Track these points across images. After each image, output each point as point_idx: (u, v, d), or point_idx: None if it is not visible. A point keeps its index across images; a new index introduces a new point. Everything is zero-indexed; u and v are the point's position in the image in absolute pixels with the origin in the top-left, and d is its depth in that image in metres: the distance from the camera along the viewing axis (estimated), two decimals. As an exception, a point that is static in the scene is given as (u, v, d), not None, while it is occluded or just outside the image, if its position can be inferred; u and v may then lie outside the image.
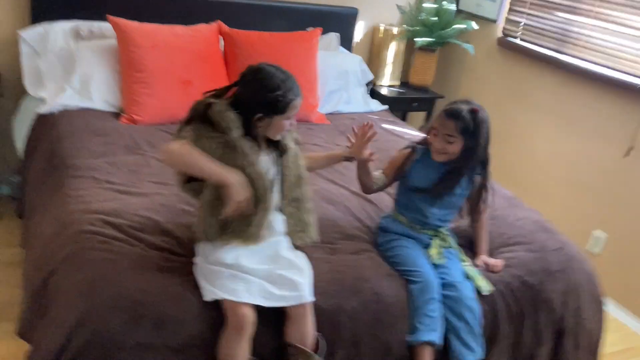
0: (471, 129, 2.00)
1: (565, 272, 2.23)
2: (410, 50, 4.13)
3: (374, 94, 3.96)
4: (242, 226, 1.80)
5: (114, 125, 2.81)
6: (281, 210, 1.89)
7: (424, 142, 2.15)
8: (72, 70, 2.96)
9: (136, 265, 1.81)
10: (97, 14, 3.14)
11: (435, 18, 3.85)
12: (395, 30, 3.94)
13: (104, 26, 3.12)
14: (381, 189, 2.23)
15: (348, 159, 2.09)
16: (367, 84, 3.85)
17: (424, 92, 4.08)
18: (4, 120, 3.23)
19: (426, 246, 2.14)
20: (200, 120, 1.77)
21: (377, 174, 2.19)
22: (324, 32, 3.65)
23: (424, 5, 3.95)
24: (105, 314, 1.64)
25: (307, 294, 1.77)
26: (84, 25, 3.13)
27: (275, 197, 1.85)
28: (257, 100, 1.75)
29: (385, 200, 2.46)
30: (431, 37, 3.87)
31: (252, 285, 1.75)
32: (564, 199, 3.46)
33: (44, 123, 2.80)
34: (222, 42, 3.28)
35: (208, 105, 1.76)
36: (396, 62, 4.07)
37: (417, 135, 3.01)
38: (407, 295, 1.98)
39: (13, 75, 3.17)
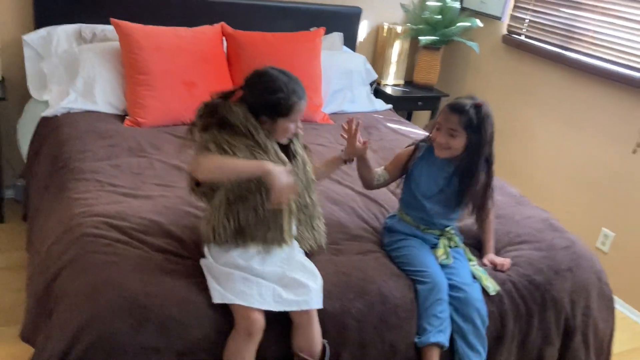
0: (475, 124, 1.99)
1: (574, 271, 2.20)
2: (414, 49, 4.12)
3: (378, 93, 3.95)
4: (262, 231, 1.78)
5: (117, 127, 2.81)
6: None
7: (427, 140, 2.14)
8: (75, 73, 2.97)
9: (140, 268, 1.80)
10: (100, 17, 3.15)
11: (439, 16, 3.84)
12: (399, 29, 3.93)
13: (107, 29, 3.13)
14: (382, 185, 2.22)
15: (346, 160, 2.09)
16: (371, 84, 3.83)
17: (428, 90, 4.07)
18: (8, 124, 3.23)
19: (433, 246, 2.13)
20: (217, 124, 1.75)
21: (379, 170, 2.18)
22: (328, 31, 3.64)
23: (428, 3, 3.93)
24: (109, 317, 1.63)
25: (315, 300, 1.76)
26: (87, 28, 3.13)
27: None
28: (261, 102, 1.76)
29: (391, 200, 2.44)
30: (435, 36, 3.85)
31: (264, 289, 1.73)
32: (571, 198, 3.43)
33: (48, 126, 2.80)
34: (225, 44, 3.27)
35: (226, 108, 1.74)
36: (400, 61, 4.05)
37: (422, 134, 2.99)
38: (415, 296, 1.96)
39: (17, 79, 3.18)
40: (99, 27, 3.15)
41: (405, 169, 2.16)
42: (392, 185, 2.33)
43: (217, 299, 1.72)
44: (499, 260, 2.16)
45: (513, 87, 3.80)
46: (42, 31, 3.06)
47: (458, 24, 3.82)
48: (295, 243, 1.90)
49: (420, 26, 3.91)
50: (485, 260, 2.17)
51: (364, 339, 1.86)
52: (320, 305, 1.78)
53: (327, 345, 1.80)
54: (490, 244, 2.23)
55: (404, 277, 2.00)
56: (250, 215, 1.77)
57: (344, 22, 3.82)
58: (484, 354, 1.97)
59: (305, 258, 1.91)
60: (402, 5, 4.00)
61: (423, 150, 2.14)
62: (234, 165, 1.68)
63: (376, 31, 4.10)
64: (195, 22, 3.23)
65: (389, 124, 3.38)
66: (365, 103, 3.62)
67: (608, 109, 3.21)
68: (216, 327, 1.71)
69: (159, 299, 1.69)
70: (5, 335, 2.38)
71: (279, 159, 1.77)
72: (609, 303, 2.30)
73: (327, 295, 1.82)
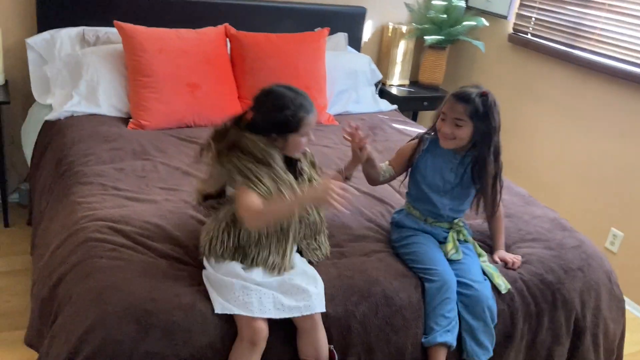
0: (481, 112, 1.96)
1: (584, 271, 2.19)
2: (419, 49, 4.10)
3: (383, 93, 3.93)
4: (262, 254, 1.79)
5: (121, 130, 2.80)
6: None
7: (431, 132, 2.11)
8: (78, 76, 2.95)
9: (145, 273, 1.78)
10: (103, 20, 3.14)
11: (445, 15, 3.82)
12: (404, 28, 3.91)
13: (110, 31, 3.12)
14: (387, 180, 2.19)
15: (347, 177, 2.08)
16: (376, 84, 3.81)
17: (434, 90, 4.04)
18: (12, 128, 3.24)
19: (442, 241, 2.11)
20: (233, 149, 1.77)
21: (383, 165, 2.15)
22: (332, 32, 3.63)
23: (433, 2, 3.91)
24: (114, 322, 1.62)
25: (317, 304, 1.75)
26: (90, 31, 3.13)
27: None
28: (270, 121, 1.77)
29: (396, 197, 2.43)
30: (440, 35, 3.83)
31: (264, 297, 1.72)
32: (579, 197, 3.40)
33: (51, 130, 2.79)
34: (229, 45, 3.26)
35: (244, 138, 1.76)
36: (405, 61, 4.03)
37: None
38: (423, 294, 1.94)
39: (21, 83, 3.19)
40: (102, 30, 3.14)
41: (410, 162, 2.13)
42: (396, 184, 2.30)
43: (218, 309, 1.70)
44: (509, 257, 2.14)
45: (520, 86, 3.78)
46: (46, 34, 3.05)
47: (463, 23, 3.80)
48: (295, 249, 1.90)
49: (426, 26, 3.89)
50: (496, 257, 2.15)
51: (369, 342, 1.84)
52: (323, 309, 1.76)
53: (334, 350, 1.78)
54: (501, 240, 2.21)
55: (409, 276, 1.98)
56: (252, 236, 1.78)
57: (348, 22, 3.80)
58: (491, 350, 1.96)
59: (305, 263, 1.90)
60: (407, 5, 3.98)
61: (427, 143, 2.11)
62: (284, 211, 1.73)
63: (381, 31, 4.08)
64: (198, 24, 3.22)
65: (394, 125, 3.36)
66: (370, 103, 3.60)
67: (616, 107, 3.18)
68: (221, 334, 1.69)
69: (165, 304, 1.68)
70: (10, 339, 2.38)
71: (293, 192, 1.79)
72: (619, 304, 2.28)
73: (330, 299, 1.81)
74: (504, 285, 2.03)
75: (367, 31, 4.02)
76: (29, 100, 3.13)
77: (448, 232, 2.11)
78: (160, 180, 2.38)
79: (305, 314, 1.72)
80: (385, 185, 2.40)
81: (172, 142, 2.75)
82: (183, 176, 2.44)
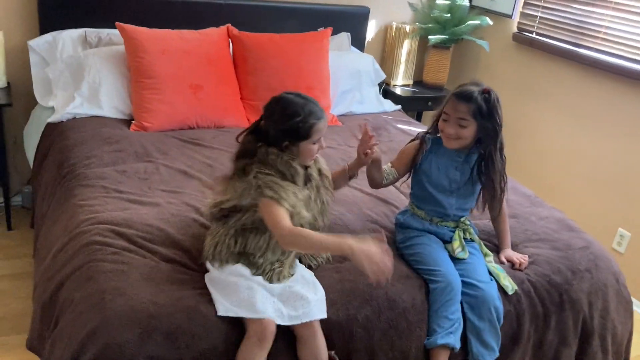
0: (485, 110, 1.94)
1: (592, 272, 2.17)
2: (423, 48, 4.08)
3: (387, 93, 3.91)
4: (268, 263, 1.80)
5: (123, 132, 2.79)
6: None
7: (433, 131, 2.08)
8: (81, 78, 2.94)
9: (147, 277, 1.77)
10: (105, 21, 3.13)
11: (448, 15, 3.80)
12: (407, 28, 3.89)
13: (112, 33, 3.11)
14: (391, 183, 2.16)
15: (351, 176, 2.06)
16: (380, 84, 3.80)
17: (438, 90, 4.02)
18: (15, 131, 3.23)
19: (448, 241, 2.09)
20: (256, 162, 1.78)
21: (386, 167, 2.12)
22: (335, 32, 3.61)
23: (437, 2, 3.88)
24: (116, 327, 1.60)
25: (316, 311, 1.74)
26: (92, 32, 3.12)
27: None
28: (281, 129, 1.77)
29: (400, 198, 2.42)
30: (444, 34, 3.81)
31: (267, 300, 1.72)
32: (586, 198, 3.38)
33: (54, 132, 2.78)
34: (231, 46, 3.24)
35: (269, 156, 1.77)
36: (409, 60, 4.01)
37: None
38: (427, 296, 1.92)
39: (23, 85, 3.18)
40: (104, 32, 3.13)
41: (414, 163, 2.11)
42: (398, 183, 2.28)
43: (221, 311, 1.69)
44: (516, 257, 2.12)
45: (524, 85, 3.75)
46: (48, 36, 3.04)
47: (468, 23, 3.78)
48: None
49: (429, 25, 3.87)
50: (503, 257, 2.13)
51: (372, 347, 1.82)
52: (322, 315, 1.75)
53: (335, 356, 1.77)
54: (507, 239, 2.18)
55: (412, 277, 1.96)
56: (261, 245, 1.78)
57: (351, 22, 3.78)
58: (497, 351, 1.94)
59: (304, 269, 1.89)
60: (411, 4, 3.96)
61: (430, 143, 2.08)
62: (320, 244, 1.69)
63: (384, 31, 4.06)
64: (200, 25, 3.21)
65: (398, 125, 3.34)
66: (374, 104, 3.58)
67: (622, 106, 3.16)
68: (224, 337, 1.67)
69: (167, 308, 1.66)
70: (12, 343, 2.37)
71: (309, 208, 1.81)
72: (627, 305, 2.26)
73: (332, 304, 1.79)
74: (510, 286, 2.01)
75: (371, 31, 4.00)
76: (31, 102, 3.12)
77: (454, 231, 2.09)
78: (162, 183, 2.36)
79: (304, 321, 1.71)
80: (391, 188, 2.38)
81: (175, 143, 2.74)
82: (185, 178, 2.42)
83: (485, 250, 2.13)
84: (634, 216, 3.13)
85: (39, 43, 3.02)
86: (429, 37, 3.80)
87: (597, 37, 3.25)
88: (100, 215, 2.04)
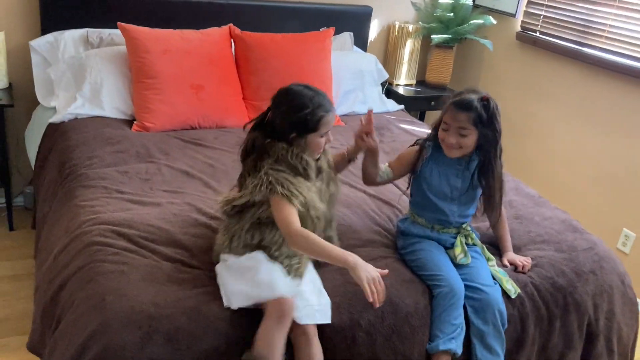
0: (485, 118, 1.92)
1: (597, 273, 2.15)
2: (426, 48, 4.07)
3: (390, 93, 3.90)
4: (285, 257, 1.79)
5: (125, 133, 2.78)
6: None
7: (432, 138, 2.06)
8: (82, 78, 2.94)
9: (148, 277, 1.76)
10: (107, 22, 3.12)
11: (451, 14, 3.78)
12: (410, 27, 3.88)
13: (113, 33, 3.10)
14: (384, 182, 2.15)
15: (350, 159, 2.04)
16: (383, 84, 3.78)
17: (441, 90, 4.00)
18: (16, 131, 3.22)
19: (450, 247, 2.07)
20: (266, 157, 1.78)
21: (383, 166, 2.11)
22: (338, 31, 3.60)
23: (440, 1, 3.87)
24: (117, 328, 1.59)
25: (319, 316, 1.72)
26: (94, 32, 3.11)
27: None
28: (288, 121, 1.76)
29: (403, 201, 2.39)
30: (448, 34, 3.80)
31: (287, 282, 1.73)
32: (590, 198, 3.36)
33: (55, 132, 2.78)
34: (233, 46, 3.23)
35: (277, 149, 1.76)
36: (412, 60, 4.00)
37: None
38: (430, 301, 1.91)
39: (25, 86, 3.17)
40: (106, 32, 3.12)
41: (413, 169, 2.09)
42: (403, 185, 2.26)
43: (235, 303, 1.67)
44: (519, 260, 2.10)
45: (528, 84, 3.73)
46: (49, 37, 3.04)
47: (471, 22, 3.76)
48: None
49: (432, 24, 3.85)
50: (505, 261, 2.11)
51: (375, 352, 1.80)
52: (325, 320, 1.73)
53: None
54: (508, 242, 2.17)
55: (416, 282, 1.95)
56: (277, 239, 1.77)
57: (354, 22, 3.77)
58: (502, 355, 1.92)
59: (316, 276, 1.87)
60: (413, 4, 3.94)
61: (430, 150, 2.07)
62: (323, 252, 1.69)
63: (387, 30, 4.04)
64: (202, 25, 3.20)
65: (401, 125, 3.33)
66: (377, 104, 3.57)
67: (627, 105, 3.14)
68: (225, 338, 1.66)
69: (168, 309, 1.65)
70: (14, 345, 2.37)
71: (320, 194, 1.82)
72: (632, 307, 2.24)
73: (335, 307, 1.77)
74: (513, 290, 1.99)
75: (374, 30, 3.98)
76: (33, 103, 3.11)
77: (455, 238, 2.07)
78: (164, 183, 2.35)
79: (304, 322, 1.69)
80: (393, 188, 2.37)
81: (177, 144, 2.73)
82: (187, 179, 2.41)
83: (488, 254, 2.11)
84: (639, 216, 3.11)
85: (41, 43, 3.02)
86: (432, 36, 3.79)
87: (602, 36, 3.23)
88: (101, 215, 2.03)
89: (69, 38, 3.05)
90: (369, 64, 3.61)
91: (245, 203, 1.77)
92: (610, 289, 2.15)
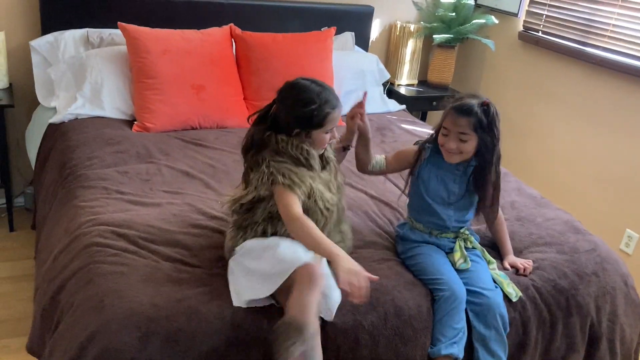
0: (485, 123, 1.90)
1: (599, 275, 2.13)
2: (428, 48, 4.05)
3: (391, 93, 3.89)
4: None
5: (125, 133, 2.77)
6: None
7: (432, 141, 2.05)
8: (83, 78, 2.93)
9: (148, 278, 1.76)
10: (107, 21, 3.12)
11: (453, 14, 3.77)
12: (412, 27, 3.87)
13: (114, 33, 3.10)
14: (376, 173, 2.15)
15: (345, 147, 2.03)
16: (385, 84, 3.77)
17: (443, 90, 3.99)
18: (17, 132, 3.22)
19: (449, 251, 2.05)
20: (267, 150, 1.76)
21: (378, 157, 2.11)
22: (339, 31, 3.59)
23: (441, 0, 3.85)
24: (115, 330, 1.58)
25: (323, 310, 1.70)
26: (94, 32, 3.11)
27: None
28: (293, 116, 1.74)
29: (404, 201, 2.38)
30: (449, 34, 3.79)
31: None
32: (593, 198, 3.34)
33: (56, 133, 2.77)
34: (234, 46, 3.22)
35: (279, 142, 1.75)
36: (414, 60, 3.99)
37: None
38: (432, 304, 1.89)
39: (25, 86, 3.17)
40: (107, 32, 3.12)
41: (409, 168, 2.08)
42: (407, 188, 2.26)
43: (256, 291, 1.64)
44: (520, 263, 2.08)
45: (530, 84, 3.72)
46: (49, 37, 3.03)
47: (473, 21, 3.75)
48: None
49: (434, 24, 3.84)
50: (506, 264, 2.10)
51: (377, 354, 1.79)
52: (327, 317, 1.72)
53: None
54: (508, 244, 2.15)
55: (419, 285, 1.93)
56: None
57: (355, 22, 3.76)
58: (504, 359, 1.91)
59: (329, 269, 1.82)
60: (415, 3, 3.93)
61: (429, 152, 2.05)
62: (314, 240, 1.64)
63: (389, 30, 4.03)
64: (203, 24, 3.19)
65: (402, 125, 3.32)
66: (379, 104, 3.55)
67: (630, 105, 3.12)
68: (225, 339, 1.65)
69: (167, 310, 1.64)
70: (14, 346, 2.37)
71: (328, 185, 1.81)
72: (636, 308, 2.22)
73: (338, 308, 1.76)
74: (514, 293, 1.97)
75: (375, 30, 3.97)
76: (34, 103, 3.11)
77: (454, 242, 2.06)
78: (164, 184, 2.35)
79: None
80: (395, 189, 2.36)
81: (177, 144, 2.72)
82: (187, 179, 2.41)
83: (489, 257, 2.09)
84: (642, 217, 3.10)
85: (41, 43, 3.01)
86: (434, 36, 3.77)
87: (605, 36, 3.21)
88: (101, 216, 2.02)
89: (70, 38, 3.04)
90: (371, 63, 3.60)
91: (253, 199, 1.76)
92: (613, 290, 2.13)
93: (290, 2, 3.58)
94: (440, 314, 1.86)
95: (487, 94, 2.00)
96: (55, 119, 2.83)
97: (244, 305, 1.69)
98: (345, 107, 3.44)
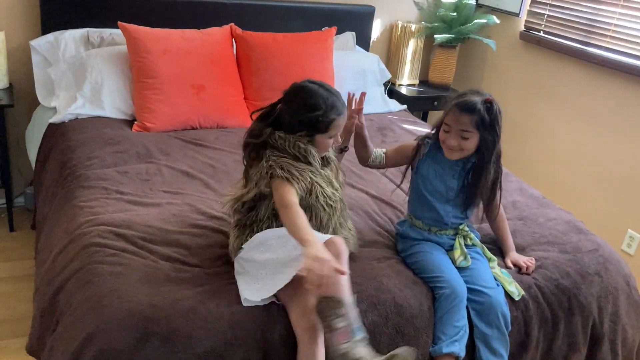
0: (487, 121, 1.89)
1: (602, 275, 2.12)
2: (429, 48, 4.04)
3: (392, 93, 3.88)
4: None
5: (125, 133, 2.76)
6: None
7: (432, 137, 2.04)
8: (83, 78, 2.92)
9: (146, 278, 1.75)
10: (108, 21, 3.11)
11: (454, 13, 3.76)
12: (413, 27, 3.86)
13: (114, 32, 3.09)
14: (376, 167, 2.16)
15: (342, 149, 2.03)
16: (386, 84, 3.76)
17: (444, 90, 3.98)
18: (17, 132, 3.21)
19: (449, 249, 2.04)
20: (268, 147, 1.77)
21: (378, 151, 2.11)
22: (340, 31, 3.58)
23: (443, 0, 3.84)
24: (113, 331, 1.58)
25: None
26: (95, 32, 3.10)
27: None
28: (298, 119, 1.74)
29: (406, 202, 2.37)
30: (451, 33, 3.78)
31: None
32: (595, 198, 3.33)
33: (56, 133, 2.77)
34: (235, 45, 3.21)
35: (280, 140, 1.75)
36: (415, 60, 3.97)
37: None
38: (434, 302, 1.89)
39: (25, 86, 3.17)
40: (107, 31, 3.11)
41: (409, 162, 2.08)
42: (407, 188, 2.25)
43: (289, 274, 1.62)
44: (522, 261, 2.07)
45: (532, 84, 3.70)
46: (50, 36, 3.02)
47: (474, 21, 3.74)
48: None
49: (435, 24, 3.83)
50: (509, 262, 2.09)
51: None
52: None
53: None
54: (509, 241, 2.14)
55: (420, 284, 1.93)
56: None
57: (356, 21, 3.75)
58: (506, 357, 1.90)
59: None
60: (416, 3, 3.92)
61: (428, 147, 2.04)
62: (294, 227, 1.62)
63: (390, 30, 4.02)
64: (203, 24, 3.19)
65: (404, 125, 3.31)
66: (380, 104, 3.54)
67: (632, 105, 3.11)
68: (224, 338, 1.64)
69: (164, 311, 1.63)
70: (14, 347, 2.36)
71: (331, 186, 1.81)
72: (638, 309, 2.21)
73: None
74: (517, 291, 1.96)
75: (376, 30, 3.96)
76: (34, 103, 3.10)
77: (454, 239, 2.05)
78: (164, 184, 2.34)
79: None
80: (397, 190, 2.34)
81: (177, 144, 2.71)
82: (187, 179, 2.40)
83: (489, 255, 2.08)
84: (644, 217, 3.09)
85: (41, 43, 3.01)
86: (435, 36, 3.76)
87: (606, 35, 3.20)
88: (100, 216, 2.02)
89: (70, 38, 3.04)
90: (372, 63, 3.59)
91: (255, 197, 1.75)
92: (615, 290, 2.12)
93: (290, 2, 3.57)
94: (441, 312, 1.85)
95: (487, 93, 1.99)
96: (55, 118, 2.82)
97: (258, 303, 1.69)
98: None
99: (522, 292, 1.97)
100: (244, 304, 1.70)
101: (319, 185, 1.75)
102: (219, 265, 1.88)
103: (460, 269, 1.98)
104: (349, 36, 3.68)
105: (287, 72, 3.13)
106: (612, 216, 3.22)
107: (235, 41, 3.19)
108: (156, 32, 2.96)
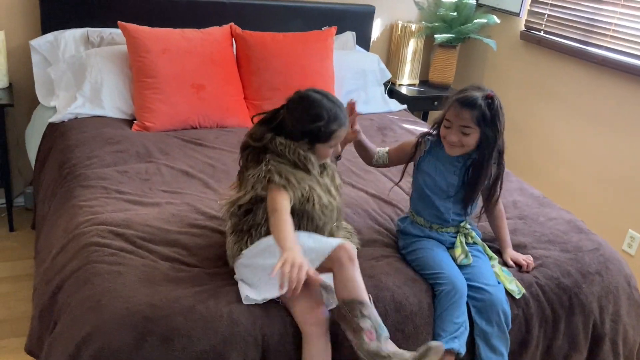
0: (488, 117, 1.88)
1: (603, 274, 2.12)
2: (429, 48, 4.04)
3: (392, 93, 3.87)
4: None
5: (125, 132, 2.76)
6: None
7: (433, 134, 2.04)
8: (83, 78, 2.92)
9: (145, 278, 1.74)
10: (108, 21, 3.11)
11: (455, 13, 3.75)
12: (413, 27, 3.85)
13: (114, 32, 3.09)
14: (380, 166, 2.17)
15: (337, 157, 2.02)
16: (386, 83, 3.75)
17: (444, 90, 3.97)
18: (17, 131, 3.21)
19: (450, 246, 2.04)
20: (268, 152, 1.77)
21: (381, 150, 2.12)
22: (340, 31, 3.58)
23: (443, 0, 3.84)
24: (112, 330, 1.57)
25: (332, 302, 1.72)
26: (95, 32, 3.10)
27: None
28: (300, 128, 1.74)
29: (405, 200, 2.37)
30: (451, 33, 3.77)
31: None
32: (595, 198, 3.32)
33: (55, 132, 2.76)
34: (234, 45, 3.21)
35: (280, 146, 1.74)
36: (415, 60, 3.97)
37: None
38: (433, 299, 1.88)
39: (25, 85, 3.17)
40: (107, 31, 3.11)
41: (410, 161, 2.08)
42: (407, 186, 2.25)
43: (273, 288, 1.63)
44: (522, 259, 2.07)
45: (532, 84, 3.70)
46: (49, 36, 3.02)
47: (474, 21, 3.73)
48: None
49: (436, 24, 3.83)
50: (508, 260, 2.08)
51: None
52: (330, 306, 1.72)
53: None
54: (507, 238, 2.14)
55: (419, 281, 1.92)
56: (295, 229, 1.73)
57: (356, 21, 3.75)
58: (506, 356, 1.90)
59: None
60: (416, 3, 3.92)
61: (429, 144, 2.04)
62: (278, 231, 1.62)
63: (390, 30, 4.02)
64: (203, 24, 3.18)
65: (404, 125, 3.31)
66: (380, 103, 3.54)
67: (632, 105, 3.10)
68: (222, 338, 1.63)
69: (164, 310, 1.63)
70: (13, 346, 2.36)
71: (330, 194, 1.82)
72: (638, 309, 2.20)
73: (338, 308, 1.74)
74: (517, 290, 1.96)
75: (376, 30, 3.96)
76: (33, 102, 3.10)
77: (455, 237, 2.04)
78: (163, 183, 2.34)
79: (331, 307, 1.70)
80: (395, 188, 2.35)
81: (177, 144, 2.71)
82: (187, 179, 2.40)
83: (490, 253, 2.08)
84: (644, 217, 3.08)
85: (41, 43, 3.01)
86: (435, 36, 3.76)
87: (607, 35, 3.20)
88: (100, 216, 2.01)
89: (70, 37, 3.04)
90: (372, 63, 3.59)
91: (251, 200, 1.75)
92: (616, 290, 2.12)
93: (291, 2, 3.57)
94: (441, 308, 1.85)
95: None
96: (55, 118, 2.82)
97: (258, 301, 1.69)
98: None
99: (523, 291, 1.97)
100: (245, 301, 1.70)
101: (316, 193, 1.76)
102: (218, 265, 1.88)
103: (461, 266, 1.97)
104: (349, 36, 3.68)
105: (287, 71, 3.13)
106: (613, 216, 3.22)
107: (235, 41, 3.19)
108: (156, 32, 2.96)
